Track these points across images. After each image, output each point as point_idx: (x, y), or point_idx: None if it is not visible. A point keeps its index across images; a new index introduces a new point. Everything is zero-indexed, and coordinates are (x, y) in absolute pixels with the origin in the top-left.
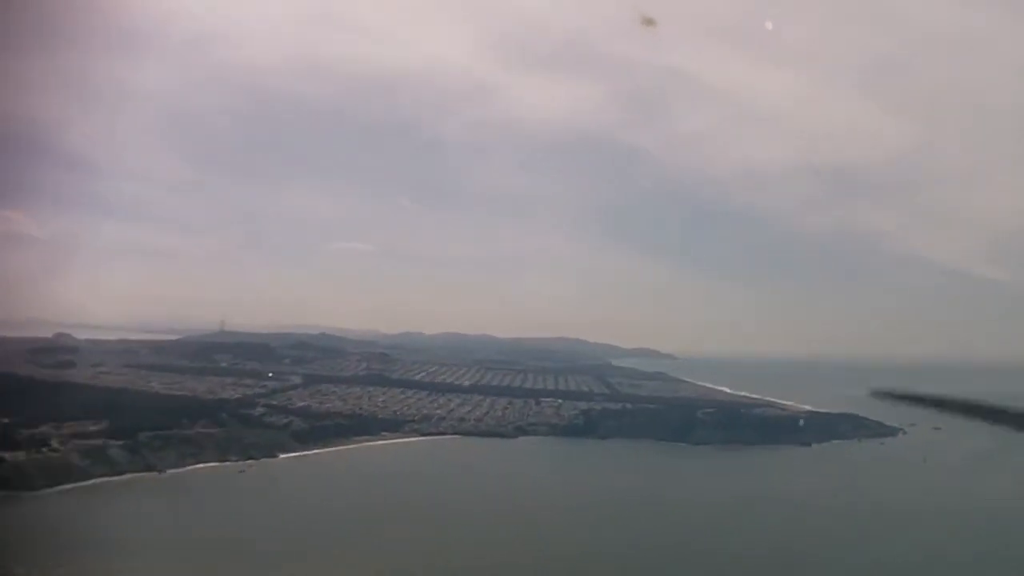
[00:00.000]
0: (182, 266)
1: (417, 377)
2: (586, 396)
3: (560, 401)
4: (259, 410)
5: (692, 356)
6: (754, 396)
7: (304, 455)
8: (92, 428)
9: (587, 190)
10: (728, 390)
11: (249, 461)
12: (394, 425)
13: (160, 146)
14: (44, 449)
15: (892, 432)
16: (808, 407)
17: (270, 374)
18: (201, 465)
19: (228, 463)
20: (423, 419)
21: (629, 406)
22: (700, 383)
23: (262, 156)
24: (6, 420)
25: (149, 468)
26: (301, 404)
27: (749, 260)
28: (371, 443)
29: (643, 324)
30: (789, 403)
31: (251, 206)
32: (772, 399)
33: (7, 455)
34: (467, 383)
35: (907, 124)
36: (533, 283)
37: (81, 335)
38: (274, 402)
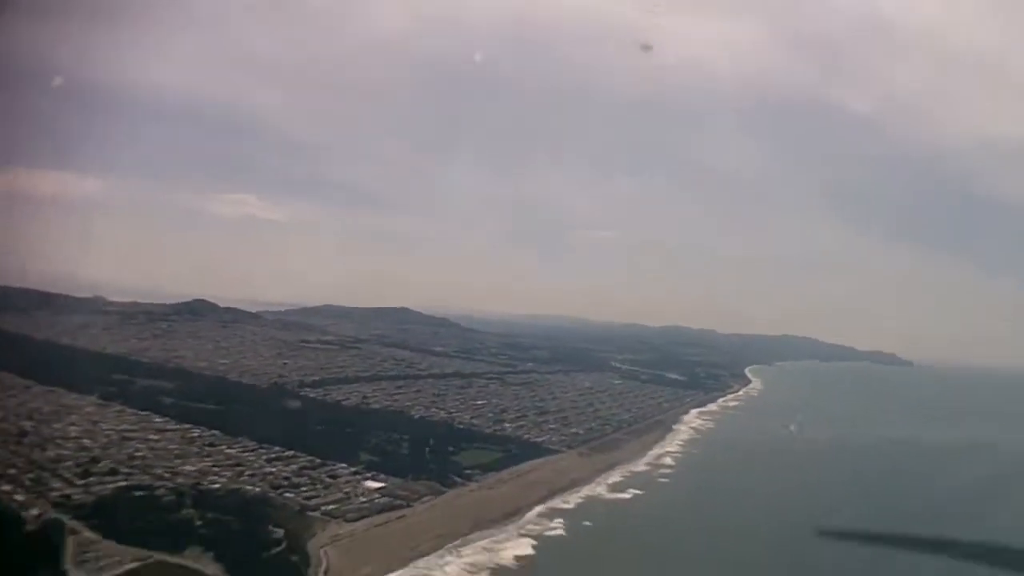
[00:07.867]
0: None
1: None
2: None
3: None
4: None
5: (935, 364)
6: None
7: None
8: None
9: (810, 165)
10: None
11: None
12: None
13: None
14: None
15: None
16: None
17: None
18: None
19: None
20: None
21: None
22: None
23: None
24: None
25: None
26: None
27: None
28: None
29: (889, 326)
30: None
31: (485, 192)
32: None
33: None
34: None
35: None
36: (769, 277)
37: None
38: None
